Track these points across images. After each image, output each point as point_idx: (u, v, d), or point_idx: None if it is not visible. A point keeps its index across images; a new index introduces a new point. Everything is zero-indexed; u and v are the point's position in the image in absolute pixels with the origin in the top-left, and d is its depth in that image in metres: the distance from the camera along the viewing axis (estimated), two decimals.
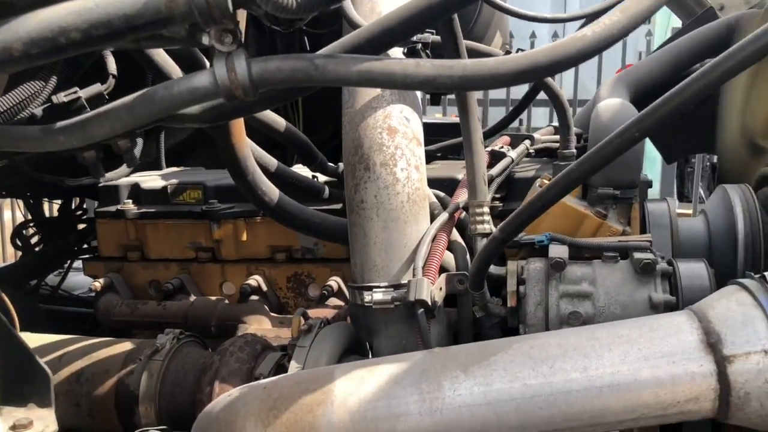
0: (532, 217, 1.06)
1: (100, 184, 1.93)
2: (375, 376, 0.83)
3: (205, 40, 0.85)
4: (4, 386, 0.93)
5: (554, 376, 0.77)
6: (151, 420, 1.43)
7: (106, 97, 1.20)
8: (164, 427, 1.36)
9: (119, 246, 1.90)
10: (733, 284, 0.80)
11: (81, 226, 2.99)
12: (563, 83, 5.81)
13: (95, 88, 1.16)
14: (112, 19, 0.62)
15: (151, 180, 1.94)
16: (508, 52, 1.79)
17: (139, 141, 1.19)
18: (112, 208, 1.88)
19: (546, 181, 1.43)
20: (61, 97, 1.12)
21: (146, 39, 0.68)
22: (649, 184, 1.60)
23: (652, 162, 5.71)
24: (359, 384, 0.82)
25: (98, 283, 1.84)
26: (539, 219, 1.39)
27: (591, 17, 2.02)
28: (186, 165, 2.32)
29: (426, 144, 1.42)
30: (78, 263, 3.99)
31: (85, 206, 3.15)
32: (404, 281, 1.27)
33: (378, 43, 0.82)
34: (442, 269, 1.36)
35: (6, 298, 1.15)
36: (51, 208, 3.25)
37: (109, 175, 1.51)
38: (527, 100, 2.39)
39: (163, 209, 1.84)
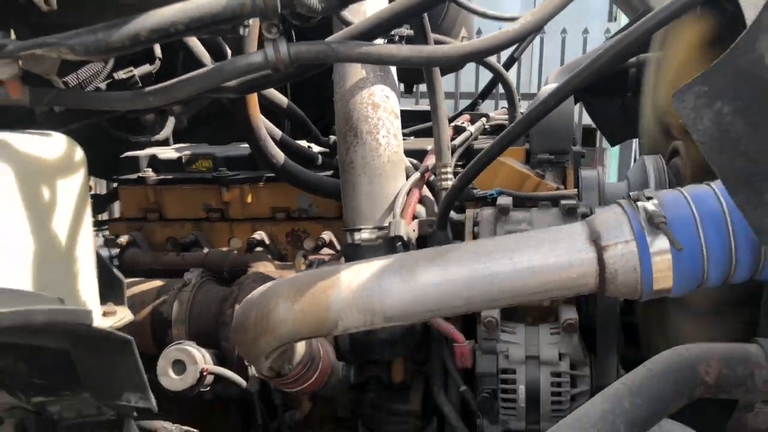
0: (482, 168, 1.42)
1: (123, 155, 2.24)
2: (369, 268, 1.18)
3: (242, 31, 1.20)
4: None
5: (490, 263, 1.12)
6: (181, 340, 1.77)
7: (153, 75, 1.53)
8: (192, 342, 1.70)
9: (140, 208, 2.21)
10: (615, 204, 1.17)
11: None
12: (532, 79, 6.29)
13: (146, 68, 1.50)
14: (204, 16, 0.95)
15: (166, 152, 2.26)
16: None
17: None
18: (134, 176, 2.20)
19: None
20: (121, 75, 1.46)
21: (219, 26, 1.00)
22: (582, 155, 1.98)
23: (615, 150, 6.31)
24: (358, 274, 1.17)
25: (123, 239, 2.16)
26: (492, 179, 1.77)
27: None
28: (191, 142, 2.63)
29: (402, 127, 1.77)
30: None
31: (90, 184, 3.44)
32: (386, 224, 1.63)
33: (369, 34, 1.16)
34: (416, 218, 1.72)
35: None
36: None
37: (158, 137, 1.81)
38: (489, 89, 2.79)
39: (178, 176, 2.16)
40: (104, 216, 2.91)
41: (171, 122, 1.73)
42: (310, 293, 1.17)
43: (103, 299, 1.32)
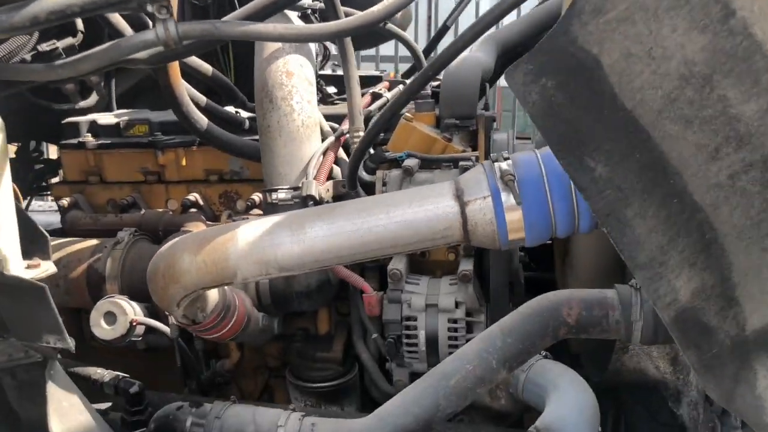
0: (378, 131, 1.55)
1: (63, 121, 2.33)
2: (264, 224, 1.31)
3: (149, 8, 1.30)
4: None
5: (369, 218, 1.26)
6: (114, 294, 1.90)
7: (77, 47, 1.63)
8: (124, 296, 1.83)
9: (81, 172, 2.31)
10: (479, 165, 1.31)
11: (37, 166, 3.37)
12: None
13: (69, 40, 1.59)
14: (99, 0, 1.06)
15: (105, 118, 2.35)
16: None
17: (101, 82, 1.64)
18: (74, 141, 2.30)
19: (409, 115, 1.93)
20: (44, 47, 1.55)
21: (113, 8, 1.11)
22: (494, 119, 2.11)
23: None
24: (254, 228, 1.31)
25: (65, 201, 2.27)
26: (404, 142, 1.90)
27: None
28: (133, 108, 2.72)
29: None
30: (35, 203, 4.34)
31: (40, 148, 3.51)
32: (300, 185, 1.76)
33: (263, 13, 1.27)
34: (332, 179, 1.86)
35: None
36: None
37: (81, 103, 1.91)
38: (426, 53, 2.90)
39: (117, 141, 2.26)
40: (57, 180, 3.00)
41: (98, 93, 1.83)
42: (210, 246, 1.31)
43: (29, 254, 1.44)
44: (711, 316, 1.06)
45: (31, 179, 3.32)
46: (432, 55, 3.06)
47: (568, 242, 1.99)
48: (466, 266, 1.71)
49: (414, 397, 1.39)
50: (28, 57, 1.54)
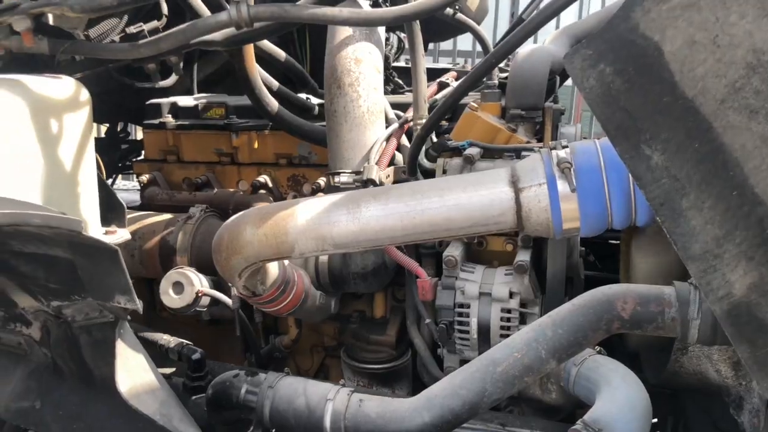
0: (439, 119, 1.57)
1: (147, 103, 2.47)
2: (323, 202, 1.36)
3: None
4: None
5: (423, 200, 1.29)
6: (183, 266, 2.00)
7: (161, 29, 1.73)
8: (193, 268, 1.93)
9: (160, 151, 2.45)
10: (536, 152, 1.31)
11: (124, 146, 3.57)
12: None
13: (153, 23, 1.69)
14: None
15: (185, 100, 2.48)
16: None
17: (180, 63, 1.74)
18: (156, 121, 2.43)
19: (474, 104, 1.94)
20: (132, 29, 1.66)
21: None
22: (562, 112, 2.09)
23: None
24: (313, 206, 1.36)
25: (144, 178, 2.40)
26: (467, 132, 1.91)
27: None
28: (213, 93, 2.85)
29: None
30: (120, 181, 4.60)
31: (128, 129, 3.72)
32: (362, 169, 1.81)
33: None
34: (393, 165, 1.89)
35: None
36: (99, 130, 3.83)
37: (161, 82, 2.02)
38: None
39: (194, 122, 2.38)
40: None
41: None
42: (272, 221, 1.37)
43: (107, 222, 1.56)
44: (767, 312, 1.03)
45: (117, 158, 3.52)
46: None
47: (629, 246, 1.95)
48: (523, 257, 1.70)
49: (462, 381, 1.40)
50: (116, 38, 1.65)
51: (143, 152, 2.57)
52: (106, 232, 1.52)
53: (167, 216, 2.15)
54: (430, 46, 6.58)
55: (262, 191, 2.29)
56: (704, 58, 0.98)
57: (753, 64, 0.96)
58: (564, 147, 1.25)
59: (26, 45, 1.26)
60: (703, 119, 0.99)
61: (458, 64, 3.41)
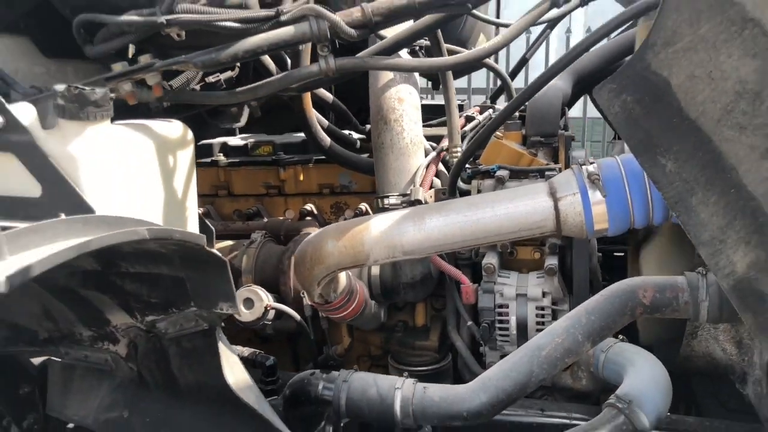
0: (478, 146, 1.86)
1: (199, 143, 2.75)
2: (393, 216, 1.64)
3: (300, 47, 1.67)
4: None
5: (477, 211, 1.57)
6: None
7: (234, 79, 2.02)
8: (261, 287, 2.18)
9: (212, 186, 2.72)
10: (570, 168, 1.60)
11: None
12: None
13: (228, 74, 1.98)
14: (278, 42, 1.41)
15: (233, 140, 2.76)
16: None
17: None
18: (208, 159, 2.71)
19: (499, 134, 2.24)
20: (210, 79, 1.95)
21: (288, 46, 1.47)
22: (573, 138, 2.39)
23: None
24: (384, 220, 1.64)
25: (198, 211, 2.67)
26: (494, 157, 2.21)
27: (551, 24, 2.83)
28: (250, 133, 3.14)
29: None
30: None
31: None
32: (408, 192, 2.09)
33: (394, 48, 1.61)
34: (432, 188, 2.18)
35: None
36: None
37: (237, 125, 2.31)
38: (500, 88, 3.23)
39: (244, 159, 2.67)
40: None
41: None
42: (350, 233, 1.64)
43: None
44: (765, 285, 1.30)
45: None
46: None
47: (638, 257, 2.23)
48: (552, 261, 1.98)
49: (512, 365, 1.66)
50: (197, 87, 1.93)
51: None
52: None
53: (229, 242, 2.41)
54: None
55: (309, 218, 2.56)
56: (702, 88, 1.27)
57: (740, 91, 1.25)
58: (591, 163, 1.54)
59: (155, 95, 1.53)
60: (705, 135, 1.28)
61: (465, 101, 3.74)
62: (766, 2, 1.17)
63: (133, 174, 1.46)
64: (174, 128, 1.62)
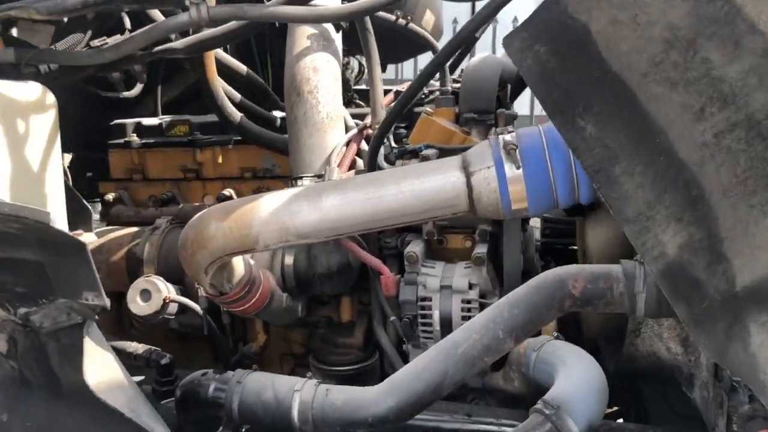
0: (393, 120, 1.65)
1: (112, 123, 2.51)
2: (284, 195, 1.42)
3: (187, 2, 1.45)
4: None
5: (380, 188, 1.35)
6: None
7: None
8: (161, 277, 1.95)
9: (126, 169, 2.48)
10: (486, 140, 1.39)
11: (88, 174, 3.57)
12: None
13: (117, 38, 1.75)
14: None
15: (150, 120, 2.52)
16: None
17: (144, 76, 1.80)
18: (121, 141, 2.47)
19: (429, 110, 2.03)
20: (95, 43, 1.71)
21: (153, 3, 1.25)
22: (515, 117, 2.19)
23: None
24: (275, 198, 1.41)
25: (110, 197, 2.43)
26: (424, 135, 2.00)
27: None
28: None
29: None
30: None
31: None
32: (323, 173, 1.87)
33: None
34: (353, 168, 1.96)
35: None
36: None
37: (125, 93, 2.08)
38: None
39: (159, 140, 2.43)
40: None
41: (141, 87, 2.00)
42: (236, 214, 1.42)
43: (74, 226, 1.58)
44: (699, 271, 1.10)
45: (83, 186, 3.53)
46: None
47: (584, 242, 2.04)
48: (480, 250, 1.77)
49: (424, 364, 1.45)
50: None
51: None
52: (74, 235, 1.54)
53: (133, 229, 2.18)
54: (393, 70, 6.78)
55: None
56: (627, 35, 1.07)
57: (670, 39, 1.05)
58: (510, 132, 1.33)
59: None
60: (630, 92, 1.08)
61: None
62: None
63: None
64: (29, 90, 1.40)
